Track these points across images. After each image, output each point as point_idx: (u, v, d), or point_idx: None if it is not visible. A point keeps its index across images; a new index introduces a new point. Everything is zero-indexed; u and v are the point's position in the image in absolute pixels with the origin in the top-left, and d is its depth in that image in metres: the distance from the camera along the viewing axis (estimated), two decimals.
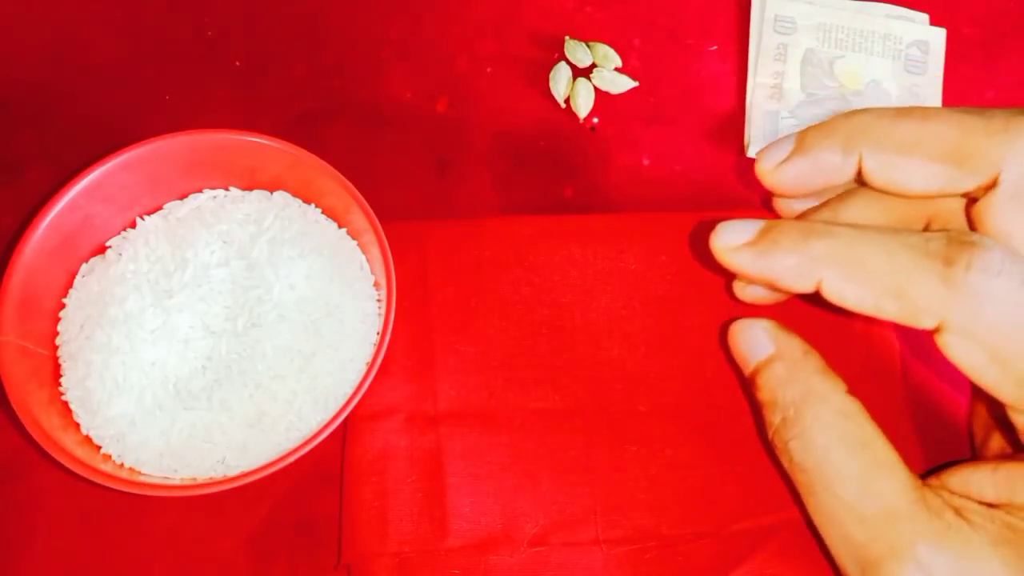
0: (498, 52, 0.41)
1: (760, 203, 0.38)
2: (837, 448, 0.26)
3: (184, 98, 0.39)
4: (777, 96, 0.39)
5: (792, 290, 0.27)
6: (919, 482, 0.26)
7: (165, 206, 0.34)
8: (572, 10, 0.42)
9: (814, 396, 0.27)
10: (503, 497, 0.31)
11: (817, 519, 0.27)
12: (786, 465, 0.28)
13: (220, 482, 0.28)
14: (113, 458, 0.30)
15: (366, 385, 0.30)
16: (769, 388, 0.28)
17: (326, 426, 0.29)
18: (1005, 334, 0.24)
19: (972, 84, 0.41)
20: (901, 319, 0.25)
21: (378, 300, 0.33)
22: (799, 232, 0.26)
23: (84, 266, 0.33)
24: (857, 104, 0.39)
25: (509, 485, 0.32)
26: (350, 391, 0.30)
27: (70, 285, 0.33)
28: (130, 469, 0.30)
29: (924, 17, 0.42)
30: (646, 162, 0.39)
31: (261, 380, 0.30)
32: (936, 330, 0.25)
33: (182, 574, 0.32)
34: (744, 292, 0.32)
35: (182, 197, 0.34)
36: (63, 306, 0.32)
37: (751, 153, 0.38)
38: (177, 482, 0.30)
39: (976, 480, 0.26)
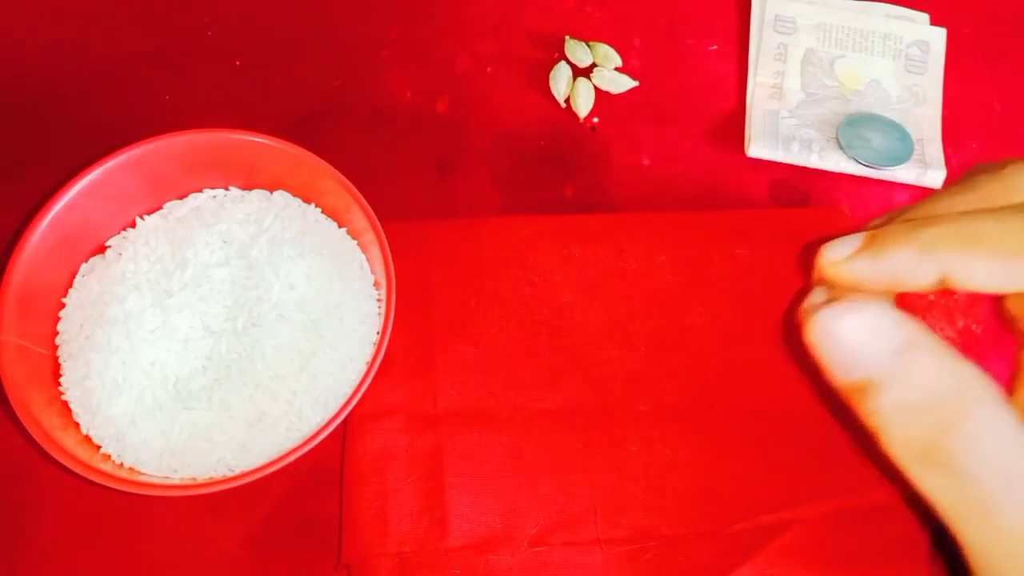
0: (498, 52, 0.41)
1: (760, 202, 0.38)
2: (1012, 446, 0.22)
3: (184, 98, 0.39)
4: (777, 96, 0.39)
5: (914, 285, 0.24)
6: None
7: (165, 206, 0.34)
8: (572, 10, 0.42)
9: (969, 388, 0.22)
10: (503, 497, 0.31)
11: (995, 541, 0.22)
12: (941, 484, 0.22)
13: (220, 482, 0.28)
14: (113, 458, 0.30)
15: (366, 385, 0.30)
16: (912, 387, 0.23)
17: (326, 426, 0.29)
18: None
19: (972, 84, 0.41)
20: None
21: (378, 300, 0.33)
22: (908, 226, 0.24)
23: (84, 266, 0.33)
24: (857, 104, 0.39)
25: (509, 485, 0.32)
26: (350, 391, 0.30)
27: (70, 285, 0.33)
28: (130, 469, 0.30)
29: (924, 17, 0.42)
30: (646, 162, 0.39)
31: (261, 380, 0.30)
32: None
33: (182, 574, 0.32)
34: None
35: (182, 197, 0.34)
36: (63, 306, 0.32)
37: (751, 152, 0.38)
38: (177, 482, 0.30)
39: None
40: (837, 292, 0.26)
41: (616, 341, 0.34)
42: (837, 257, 0.25)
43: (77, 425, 0.31)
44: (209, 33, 0.41)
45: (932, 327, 0.36)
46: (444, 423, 0.33)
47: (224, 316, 0.31)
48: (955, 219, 0.24)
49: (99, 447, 0.30)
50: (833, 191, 0.38)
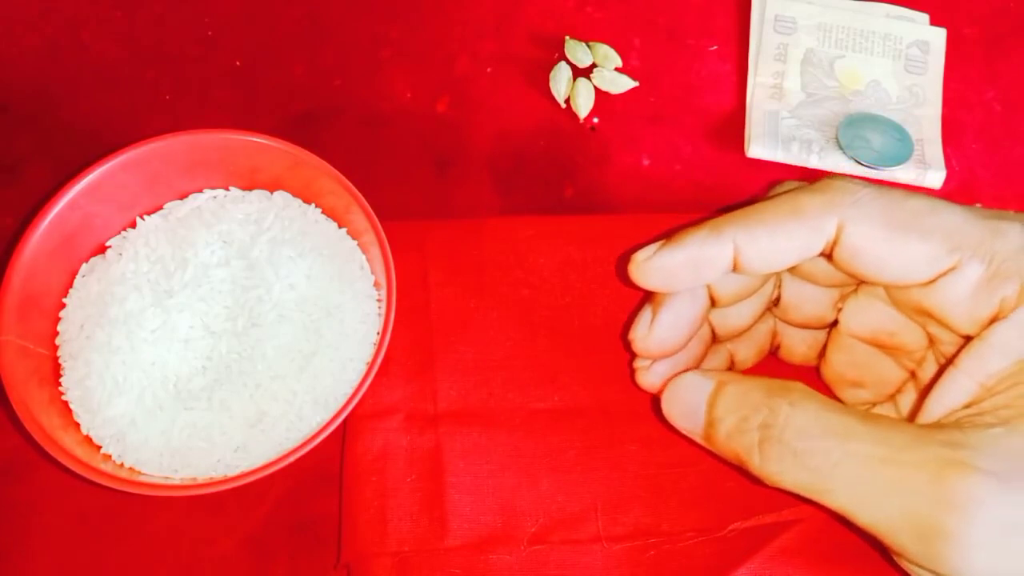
0: (498, 52, 0.41)
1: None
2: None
3: (184, 98, 0.39)
4: (777, 96, 0.39)
5: (712, 269, 0.27)
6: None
7: (165, 206, 0.34)
8: (572, 10, 0.42)
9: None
10: (503, 496, 0.31)
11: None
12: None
13: (220, 482, 0.28)
14: (113, 458, 0.30)
15: (366, 385, 0.30)
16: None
17: (326, 426, 0.29)
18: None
19: (972, 84, 0.41)
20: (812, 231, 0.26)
21: (378, 300, 0.33)
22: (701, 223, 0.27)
23: (84, 266, 0.33)
24: (857, 104, 0.39)
25: (509, 484, 0.32)
26: (350, 391, 0.30)
27: (70, 285, 0.33)
28: (130, 469, 0.30)
29: (924, 17, 0.42)
30: (646, 162, 0.39)
31: (261, 380, 0.30)
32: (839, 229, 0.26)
33: (182, 574, 0.32)
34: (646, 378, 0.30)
35: (182, 197, 0.34)
36: (63, 306, 0.32)
37: (751, 153, 0.38)
38: (177, 482, 0.30)
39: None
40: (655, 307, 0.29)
41: (616, 341, 0.34)
42: (642, 257, 0.27)
43: (77, 425, 0.31)
44: (209, 33, 0.41)
45: None
46: (444, 423, 0.33)
47: (224, 316, 0.31)
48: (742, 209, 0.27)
49: (99, 447, 0.30)
50: None
